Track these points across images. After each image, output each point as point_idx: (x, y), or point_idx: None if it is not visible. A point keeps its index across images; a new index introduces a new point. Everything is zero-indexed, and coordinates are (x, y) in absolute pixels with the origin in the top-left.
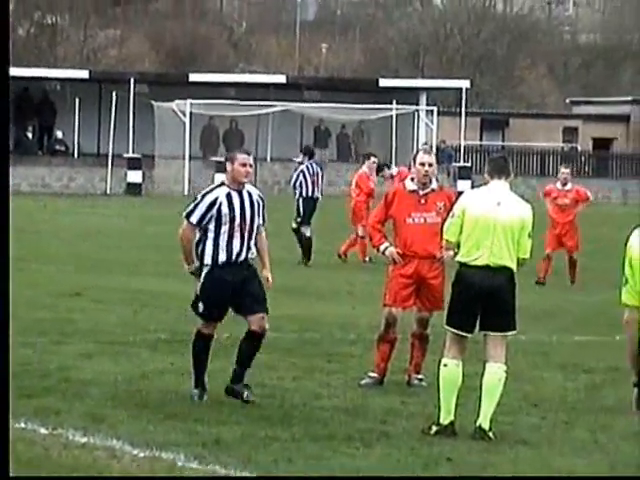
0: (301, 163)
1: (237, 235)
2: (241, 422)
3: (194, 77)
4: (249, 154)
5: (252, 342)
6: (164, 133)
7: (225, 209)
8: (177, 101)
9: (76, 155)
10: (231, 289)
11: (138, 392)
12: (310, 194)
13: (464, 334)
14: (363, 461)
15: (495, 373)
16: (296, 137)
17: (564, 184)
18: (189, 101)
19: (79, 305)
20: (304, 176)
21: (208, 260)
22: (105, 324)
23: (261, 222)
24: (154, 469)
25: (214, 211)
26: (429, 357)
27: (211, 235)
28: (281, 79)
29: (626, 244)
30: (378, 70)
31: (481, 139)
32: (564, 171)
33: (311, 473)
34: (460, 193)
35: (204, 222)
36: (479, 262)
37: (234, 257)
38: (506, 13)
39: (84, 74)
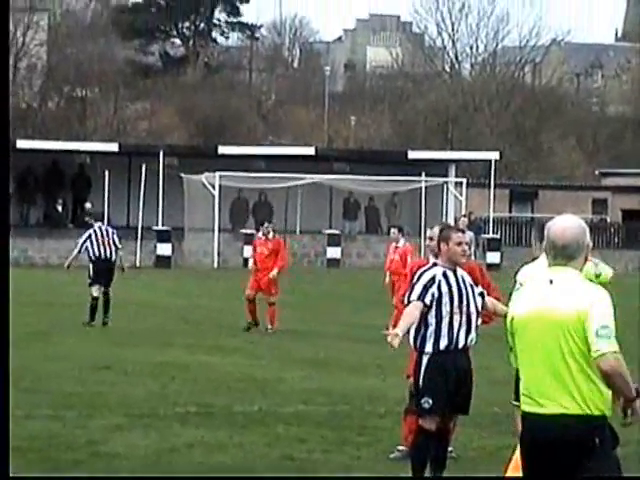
0: (91, 226)
1: (457, 318)
2: None
3: (223, 150)
4: (463, 232)
5: (440, 441)
6: (193, 206)
7: (445, 287)
8: (206, 174)
9: None
10: (454, 378)
11: (168, 465)
12: (98, 255)
13: None
14: None
15: None
16: (325, 209)
17: None
18: (218, 174)
19: (108, 378)
20: (91, 239)
21: (429, 348)
22: (134, 397)
23: (479, 307)
24: None
25: (435, 289)
26: (458, 429)
27: (432, 320)
28: (310, 151)
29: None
30: (407, 142)
31: (510, 211)
32: None
33: None
34: (489, 265)
35: (426, 299)
36: None
37: (454, 342)
38: (534, 85)
39: (114, 147)
